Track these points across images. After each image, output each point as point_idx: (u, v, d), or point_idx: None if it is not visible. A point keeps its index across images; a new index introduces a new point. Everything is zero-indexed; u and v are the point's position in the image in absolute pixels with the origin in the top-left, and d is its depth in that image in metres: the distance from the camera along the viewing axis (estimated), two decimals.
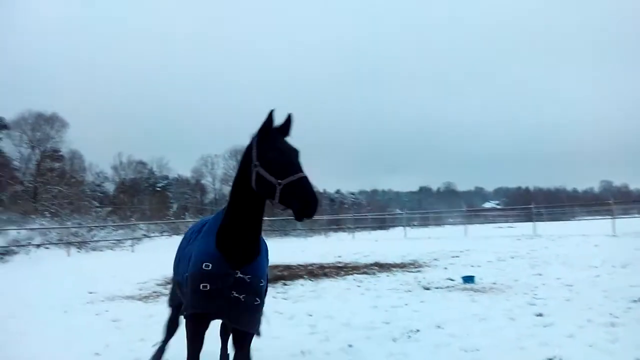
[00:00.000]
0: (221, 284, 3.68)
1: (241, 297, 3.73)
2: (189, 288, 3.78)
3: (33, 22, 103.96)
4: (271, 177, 3.40)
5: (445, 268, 14.85)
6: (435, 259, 17.45)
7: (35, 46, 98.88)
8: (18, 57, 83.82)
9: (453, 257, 17.95)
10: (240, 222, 3.72)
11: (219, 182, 72.98)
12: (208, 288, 3.67)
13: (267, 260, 4.25)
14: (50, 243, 28.72)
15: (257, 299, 3.85)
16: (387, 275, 13.75)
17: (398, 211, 67.09)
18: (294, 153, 3.58)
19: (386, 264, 16.64)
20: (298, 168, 3.43)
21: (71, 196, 43.32)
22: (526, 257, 16.49)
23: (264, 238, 4.22)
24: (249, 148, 3.69)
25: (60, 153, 52.82)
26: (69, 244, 28.83)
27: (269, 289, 11.82)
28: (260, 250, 3.89)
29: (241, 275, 3.72)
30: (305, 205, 3.24)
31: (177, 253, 4.66)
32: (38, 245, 27.79)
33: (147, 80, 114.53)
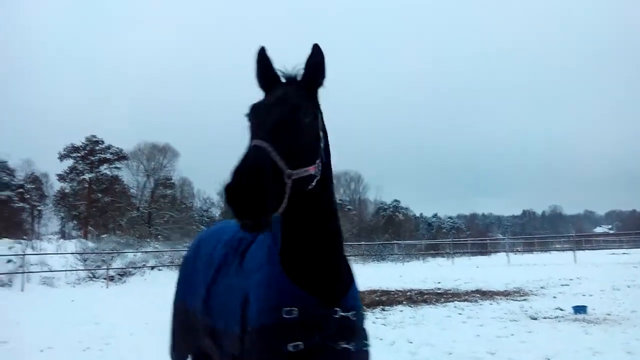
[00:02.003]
0: (320, 334, 2.35)
1: (351, 346, 2.42)
2: (263, 351, 2.35)
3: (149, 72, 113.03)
4: None
5: (554, 297, 14.10)
6: (542, 287, 16.61)
7: (151, 89, 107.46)
8: (138, 94, 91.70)
9: (562, 285, 17.00)
10: (310, 232, 2.37)
11: None
12: (303, 347, 2.31)
13: None
14: (163, 265, 30.71)
15: (367, 342, 2.58)
16: (490, 303, 13.30)
17: (500, 236, 64.55)
18: (260, 110, 2.27)
19: (489, 291, 16.08)
20: (258, 133, 2.12)
21: (181, 221, 46.15)
22: None
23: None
24: None
25: (172, 181, 56.76)
26: (179, 266, 30.69)
27: (367, 315, 11.94)
28: (351, 272, 2.60)
29: (343, 314, 2.40)
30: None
31: (185, 273, 3.45)
32: (152, 267, 29.81)
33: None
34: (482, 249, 46.45)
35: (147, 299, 17.53)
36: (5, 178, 53.48)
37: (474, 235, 75.94)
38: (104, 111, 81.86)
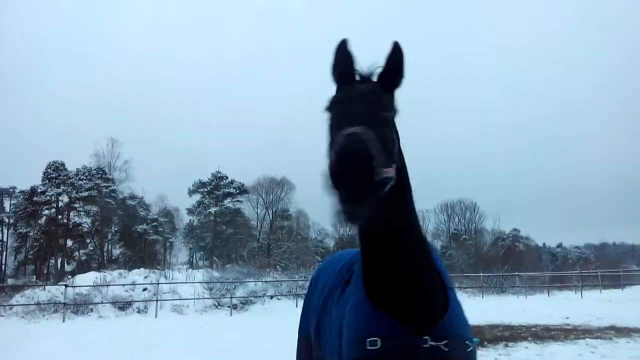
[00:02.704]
0: None
1: None
2: None
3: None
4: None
5: None
6: None
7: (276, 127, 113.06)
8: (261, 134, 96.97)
9: None
10: (381, 247, 2.17)
11: (430, 236, 72.98)
12: None
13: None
14: (281, 294, 31.76)
15: None
16: (627, 341, 12.30)
17: (634, 267, 58.75)
18: (348, 100, 2.10)
19: (625, 327, 14.82)
20: (348, 122, 1.93)
21: (297, 251, 47.61)
22: None
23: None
24: None
25: (289, 212, 59.03)
26: (296, 295, 31.58)
27: (489, 351, 11.54)
28: (449, 294, 2.33)
29: (434, 343, 2.14)
30: (330, 170, 1.73)
31: (306, 303, 3.29)
32: (271, 297, 30.97)
33: None
34: (615, 282, 42.60)
35: (267, 326, 18.31)
36: (142, 212, 58.84)
37: (605, 266, 69.61)
38: (232, 150, 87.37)
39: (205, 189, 59.76)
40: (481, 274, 40.04)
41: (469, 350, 2.22)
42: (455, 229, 72.15)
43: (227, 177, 59.46)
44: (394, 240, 2.13)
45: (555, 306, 23.90)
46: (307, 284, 3.85)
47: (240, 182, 59.01)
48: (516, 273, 41.71)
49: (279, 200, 56.09)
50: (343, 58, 2.26)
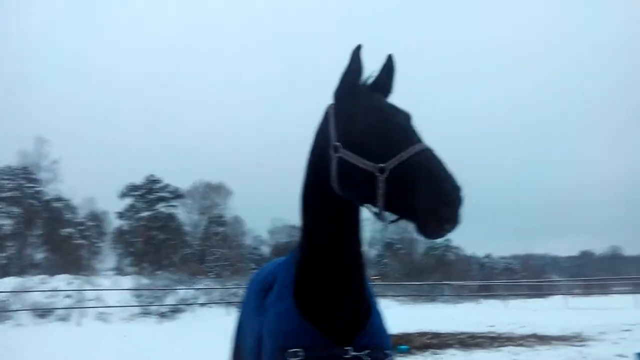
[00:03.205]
0: None
1: None
2: None
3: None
4: (366, 162, 1.93)
5: (615, 343, 13.42)
6: (603, 332, 15.82)
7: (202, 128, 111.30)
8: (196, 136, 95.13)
9: (624, 330, 16.13)
10: (329, 258, 2.19)
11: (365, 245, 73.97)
12: None
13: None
14: (213, 302, 31.12)
15: None
16: (547, 349, 12.81)
17: (556, 278, 62.01)
18: (401, 115, 2.09)
19: (546, 336, 15.47)
20: (413, 138, 1.96)
21: (232, 258, 46.91)
22: None
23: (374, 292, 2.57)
24: (324, 123, 2.25)
25: (224, 219, 58.04)
26: (229, 303, 31.03)
27: (417, 358, 11.72)
28: (371, 305, 2.36)
29: (355, 353, 2.18)
30: (439, 200, 1.75)
31: (239, 313, 3.28)
32: (202, 305, 30.26)
33: (299, 147, 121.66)
34: (538, 291, 44.71)
35: (197, 335, 17.83)
36: (68, 215, 56.13)
37: (529, 276, 73.05)
38: (164, 153, 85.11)
39: (138, 193, 57.70)
40: (413, 283, 40.92)
41: (388, 359, 2.29)
42: (389, 238, 73.39)
43: (161, 181, 57.78)
44: (346, 252, 2.17)
45: (482, 314, 24.70)
46: (240, 291, 3.69)
47: (175, 186, 57.50)
48: (446, 282, 42.92)
49: (215, 206, 55.08)
50: (356, 65, 2.18)
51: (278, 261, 2.92)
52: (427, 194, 1.75)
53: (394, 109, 2.11)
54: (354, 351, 2.16)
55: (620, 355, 11.34)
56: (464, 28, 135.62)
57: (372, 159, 1.91)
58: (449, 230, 1.78)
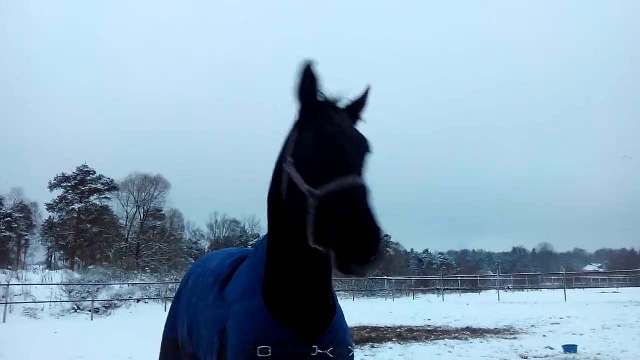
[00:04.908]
0: None
1: None
2: None
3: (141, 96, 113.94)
4: (304, 184, 1.94)
5: (545, 336, 13.99)
6: (533, 326, 16.50)
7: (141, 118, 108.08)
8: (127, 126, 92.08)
9: (552, 324, 16.91)
10: (295, 260, 2.23)
11: None
12: None
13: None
14: (149, 298, 30.25)
15: None
16: (481, 342, 13.17)
17: (490, 273, 64.40)
18: (349, 140, 2.06)
19: (479, 329, 15.95)
20: (350, 167, 1.93)
21: (170, 253, 45.74)
22: (635, 325, 15.23)
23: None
24: (290, 133, 2.28)
25: (162, 212, 56.41)
26: (166, 299, 30.24)
27: (356, 352, 11.77)
28: (335, 305, 2.46)
29: (321, 351, 2.26)
30: (352, 242, 1.71)
31: (175, 304, 3.26)
32: (138, 300, 29.36)
33: (239, 141, 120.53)
34: (473, 286, 46.26)
35: (132, 332, 17.21)
36: None
37: (465, 271, 75.60)
38: (97, 142, 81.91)
39: (69, 184, 55.07)
40: (353, 278, 41.26)
41: (350, 355, 2.41)
42: None
43: (94, 172, 55.39)
44: (311, 254, 2.09)
45: (419, 308, 25.24)
46: (178, 286, 3.52)
47: (109, 178, 55.15)
48: (385, 277, 43.62)
49: (152, 199, 53.28)
50: (309, 81, 2.13)
51: (230, 251, 2.95)
52: (342, 228, 1.74)
53: (346, 134, 2.06)
54: (320, 349, 2.25)
55: (549, 347, 11.80)
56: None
57: (310, 182, 1.91)
58: (362, 264, 1.73)
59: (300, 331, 2.24)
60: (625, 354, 10.48)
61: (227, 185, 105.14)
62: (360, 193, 1.82)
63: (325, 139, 2.01)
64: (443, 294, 37.01)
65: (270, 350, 2.18)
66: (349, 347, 2.41)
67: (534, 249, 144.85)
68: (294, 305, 2.25)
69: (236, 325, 2.28)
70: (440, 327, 16.81)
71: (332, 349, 2.29)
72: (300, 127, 2.17)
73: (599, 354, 10.69)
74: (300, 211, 1.94)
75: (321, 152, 1.98)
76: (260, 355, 2.17)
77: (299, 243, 2.11)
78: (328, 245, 1.80)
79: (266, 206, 2.35)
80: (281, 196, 2.16)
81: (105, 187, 54.69)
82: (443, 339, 13.71)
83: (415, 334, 15.02)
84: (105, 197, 55.23)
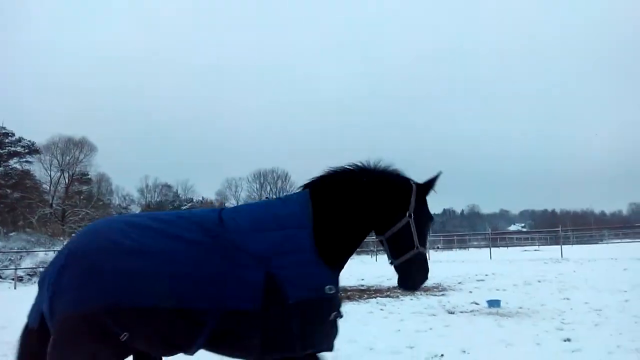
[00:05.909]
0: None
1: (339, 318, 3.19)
2: (313, 321, 2.97)
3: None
4: (415, 238, 3.29)
5: (470, 292, 14.67)
6: (460, 283, 17.25)
7: (70, 70, 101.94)
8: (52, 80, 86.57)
9: (478, 280, 17.73)
10: (348, 243, 3.36)
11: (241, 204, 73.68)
12: (339, 317, 3.15)
13: None
14: None
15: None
16: (411, 299, 13.63)
17: None
18: (432, 222, 3.59)
19: None
20: (425, 243, 3.43)
21: (97, 218, 44.05)
22: (554, 281, 16.22)
23: None
24: (406, 192, 3.37)
25: (89, 176, 53.98)
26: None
27: None
28: None
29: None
30: (421, 280, 3.38)
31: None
32: None
33: (173, 105, 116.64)
34: None
35: None
36: None
37: None
38: (15, 99, 76.53)
39: None
40: None
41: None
42: (266, 197, 73.73)
43: (13, 134, 51.91)
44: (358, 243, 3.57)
45: (353, 269, 25.71)
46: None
47: (29, 141, 51.85)
48: None
49: (78, 163, 50.77)
50: (434, 184, 3.55)
51: (205, 211, 3.35)
52: (421, 273, 3.40)
53: (432, 219, 3.60)
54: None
55: (474, 303, 12.39)
56: None
57: (418, 240, 3.35)
58: (415, 290, 4.32)
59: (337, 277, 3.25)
60: (545, 307, 11.15)
61: (157, 149, 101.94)
62: (424, 257, 3.43)
63: (431, 221, 3.55)
64: (377, 255, 37.95)
65: (333, 289, 3.04)
66: None
67: (463, 210, 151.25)
68: (338, 259, 3.28)
69: (300, 273, 2.97)
70: (373, 287, 17.26)
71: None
72: (418, 199, 3.39)
73: (520, 307, 11.32)
74: (400, 248, 3.35)
75: (427, 228, 3.47)
76: (328, 292, 3.00)
77: (358, 238, 3.45)
78: (404, 272, 3.41)
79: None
80: (375, 222, 3.42)
81: (26, 150, 51.39)
82: (375, 298, 14.10)
83: (348, 293, 15.33)
84: (27, 161, 51.93)
